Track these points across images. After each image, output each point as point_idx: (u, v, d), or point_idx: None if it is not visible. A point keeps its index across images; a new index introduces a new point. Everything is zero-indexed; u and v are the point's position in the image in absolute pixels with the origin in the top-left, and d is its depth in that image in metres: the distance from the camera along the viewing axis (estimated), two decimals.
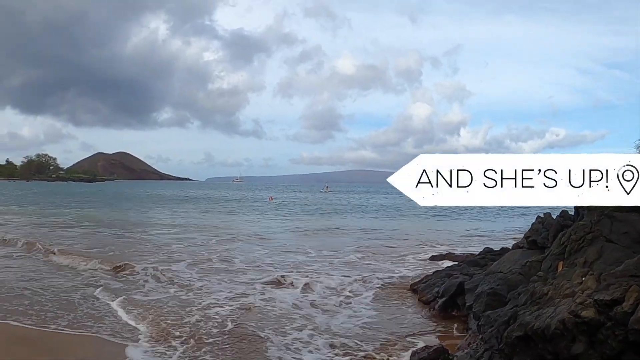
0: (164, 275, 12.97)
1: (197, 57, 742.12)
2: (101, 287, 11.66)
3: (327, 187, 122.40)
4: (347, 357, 7.46)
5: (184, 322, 8.95)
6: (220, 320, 9.08)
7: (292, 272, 13.94)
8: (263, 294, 11.25)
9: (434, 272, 12.46)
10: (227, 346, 7.79)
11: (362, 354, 7.55)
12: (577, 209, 9.23)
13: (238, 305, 10.11)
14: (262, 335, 8.27)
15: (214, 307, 10.01)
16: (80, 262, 14.73)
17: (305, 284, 12.16)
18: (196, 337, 8.12)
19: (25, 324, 8.79)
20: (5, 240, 19.88)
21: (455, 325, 9.16)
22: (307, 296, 11.22)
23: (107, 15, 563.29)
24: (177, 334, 8.29)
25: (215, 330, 8.51)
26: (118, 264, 14.17)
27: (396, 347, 7.93)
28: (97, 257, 15.36)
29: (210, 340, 8.05)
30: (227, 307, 9.97)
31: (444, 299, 10.12)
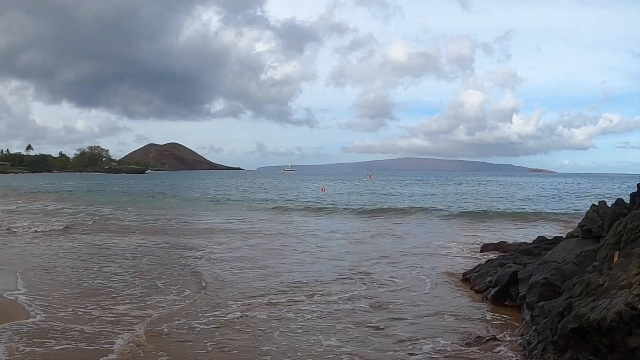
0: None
1: (249, 47, 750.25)
2: None
3: (371, 175, 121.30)
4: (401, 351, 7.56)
5: None
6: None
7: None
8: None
9: (487, 261, 12.39)
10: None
11: (413, 347, 7.63)
12: (633, 196, 9.05)
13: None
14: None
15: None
16: None
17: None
18: None
19: None
20: None
21: (508, 315, 9.12)
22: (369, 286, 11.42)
23: (159, 9, 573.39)
24: None
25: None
26: None
27: (447, 337, 7.97)
28: None
29: None
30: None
31: (496, 288, 10.09)
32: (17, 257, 14.53)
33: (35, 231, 20.40)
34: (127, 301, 9.89)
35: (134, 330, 8.09)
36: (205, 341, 7.71)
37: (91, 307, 9.34)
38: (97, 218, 26.74)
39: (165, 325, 8.39)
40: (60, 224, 23.14)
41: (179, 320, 8.68)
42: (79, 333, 7.87)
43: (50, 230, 20.94)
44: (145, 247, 16.63)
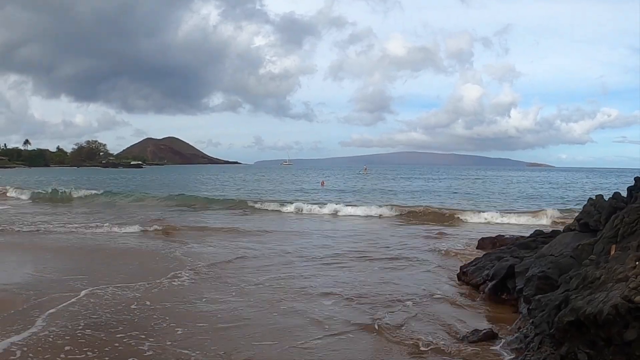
0: None
1: (248, 42, 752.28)
2: None
3: (365, 169, 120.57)
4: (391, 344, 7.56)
5: None
6: None
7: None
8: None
9: (484, 255, 12.39)
10: None
11: (410, 340, 7.63)
12: (630, 190, 9.05)
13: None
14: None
15: None
16: None
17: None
18: None
19: None
20: None
21: (505, 309, 9.14)
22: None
23: (157, 4, 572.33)
24: None
25: None
26: None
27: (443, 331, 7.98)
28: None
29: None
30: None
31: (493, 282, 10.10)
32: None
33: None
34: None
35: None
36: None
37: None
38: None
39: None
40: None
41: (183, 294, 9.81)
42: None
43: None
44: (146, 245, 16.62)
